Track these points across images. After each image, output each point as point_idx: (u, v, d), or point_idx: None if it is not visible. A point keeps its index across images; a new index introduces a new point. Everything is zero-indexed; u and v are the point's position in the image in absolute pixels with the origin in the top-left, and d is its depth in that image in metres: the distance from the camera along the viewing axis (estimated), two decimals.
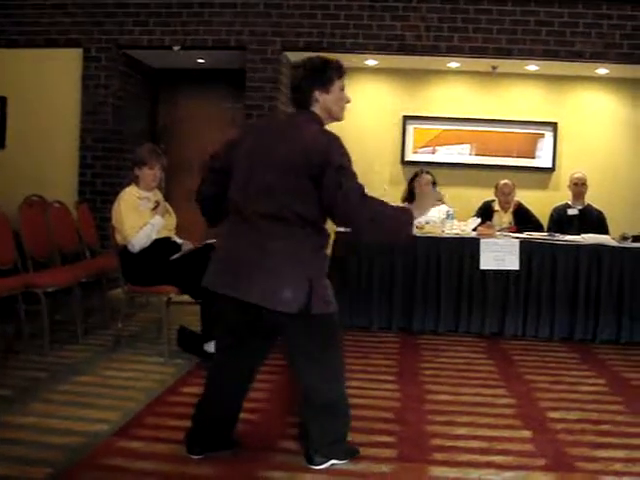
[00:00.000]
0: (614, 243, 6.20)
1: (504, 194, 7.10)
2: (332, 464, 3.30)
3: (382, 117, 8.36)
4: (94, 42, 7.72)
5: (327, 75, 3.23)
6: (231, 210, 3.24)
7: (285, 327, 3.21)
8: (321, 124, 3.25)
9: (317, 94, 3.21)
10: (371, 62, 8.01)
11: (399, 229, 3.19)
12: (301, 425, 3.44)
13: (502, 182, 7.15)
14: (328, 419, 3.32)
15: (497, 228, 6.59)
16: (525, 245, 6.12)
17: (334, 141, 3.11)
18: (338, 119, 3.35)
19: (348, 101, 3.36)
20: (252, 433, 3.72)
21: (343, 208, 3.05)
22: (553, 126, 8.20)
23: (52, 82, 7.83)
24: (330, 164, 3.02)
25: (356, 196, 3.05)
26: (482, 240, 6.11)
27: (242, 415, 3.84)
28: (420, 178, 7.00)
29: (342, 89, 3.30)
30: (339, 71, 3.28)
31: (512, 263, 6.09)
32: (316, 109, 3.24)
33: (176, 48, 7.67)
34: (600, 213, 7.21)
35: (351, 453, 3.40)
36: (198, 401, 3.42)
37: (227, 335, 3.35)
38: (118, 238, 5.21)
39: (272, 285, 3.08)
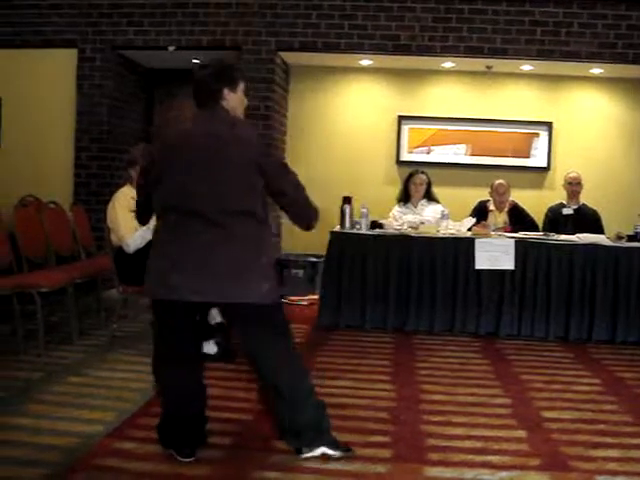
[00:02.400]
0: (609, 243, 6.20)
1: (499, 194, 7.10)
2: (323, 452, 3.33)
3: (377, 117, 8.36)
4: (89, 42, 7.71)
5: (234, 75, 3.37)
6: (173, 213, 3.20)
7: (247, 318, 3.29)
8: None
9: (225, 92, 3.31)
10: (366, 62, 8.01)
11: (312, 218, 3.46)
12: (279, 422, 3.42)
13: (497, 182, 7.15)
14: (295, 404, 3.33)
15: (492, 228, 6.60)
16: (520, 245, 6.12)
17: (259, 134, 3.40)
18: None
19: (246, 104, 3.48)
20: (247, 433, 3.72)
21: (293, 192, 3.32)
22: (548, 126, 8.21)
23: (47, 83, 7.82)
24: (269, 154, 3.39)
25: (299, 182, 3.36)
26: (477, 240, 6.12)
27: (237, 416, 3.87)
28: (415, 178, 7.02)
29: (244, 92, 3.43)
30: (243, 74, 3.48)
31: (507, 263, 6.09)
32: (225, 106, 3.33)
33: (171, 48, 7.66)
34: (595, 212, 7.22)
35: (338, 446, 3.38)
36: (168, 407, 3.39)
37: (175, 336, 3.34)
38: (113, 239, 5.21)
39: (251, 281, 3.15)
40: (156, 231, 3.34)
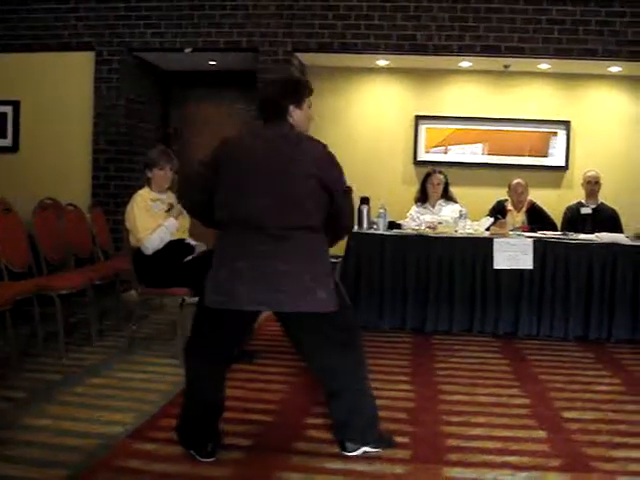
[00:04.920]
0: (628, 241, 6.17)
1: (517, 193, 7.07)
2: (364, 452, 3.44)
3: (394, 117, 8.35)
4: (106, 45, 7.75)
5: (301, 92, 3.43)
6: (236, 224, 3.25)
7: (302, 326, 3.37)
8: None
9: (292, 108, 3.38)
10: (382, 62, 8.00)
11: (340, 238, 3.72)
12: (336, 422, 3.55)
13: (515, 181, 7.13)
14: (357, 403, 3.46)
15: (510, 227, 6.57)
16: (539, 244, 6.09)
17: (330, 151, 3.39)
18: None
19: (312, 119, 3.56)
20: (268, 434, 3.73)
21: (347, 213, 3.48)
22: (566, 125, 8.17)
23: (65, 85, 7.86)
24: (333, 171, 3.34)
25: (352, 209, 3.57)
26: (496, 240, 6.10)
27: (258, 416, 3.88)
28: (432, 178, 6.99)
29: (310, 107, 3.49)
30: (309, 89, 3.50)
31: (526, 262, 6.07)
32: (291, 122, 3.39)
33: (187, 50, 7.69)
34: (614, 211, 7.18)
35: (386, 441, 3.53)
36: (191, 403, 3.44)
37: (223, 339, 3.41)
38: (132, 240, 5.23)
39: (310, 291, 3.21)
40: (218, 241, 3.37)
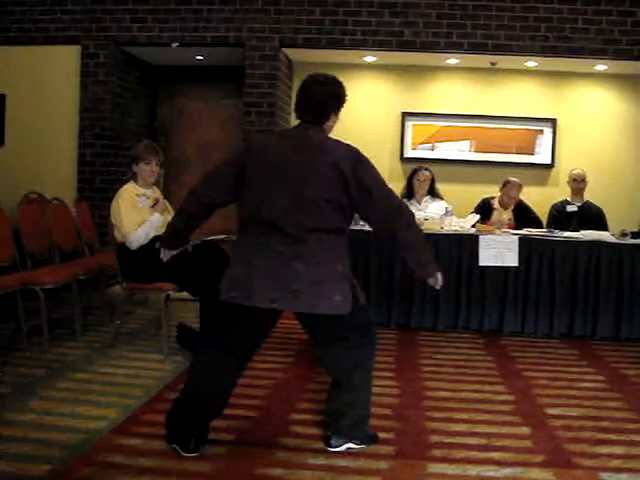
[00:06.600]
0: (613, 239, 6.19)
1: (509, 197, 6.97)
2: (348, 448, 3.45)
3: (381, 114, 8.35)
4: (92, 39, 7.70)
5: (343, 101, 3.49)
6: (255, 223, 3.25)
7: (317, 326, 3.43)
8: None
9: (333, 115, 3.43)
10: (370, 58, 7.99)
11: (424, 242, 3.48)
12: (329, 411, 3.58)
13: (512, 181, 6.99)
14: (354, 398, 3.49)
15: (496, 225, 6.58)
16: (524, 242, 6.11)
17: (361, 153, 3.35)
18: None
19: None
20: (252, 430, 3.72)
21: (386, 213, 3.32)
22: (552, 122, 8.19)
23: (51, 79, 7.81)
24: (363, 174, 3.27)
25: (399, 203, 3.42)
26: (481, 237, 6.11)
27: (242, 412, 3.88)
28: (419, 174, 6.99)
29: None
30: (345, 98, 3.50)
31: (511, 260, 6.09)
32: (325, 127, 3.42)
33: (175, 45, 7.65)
34: (599, 209, 7.20)
35: (370, 439, 3.55)
36: (188, 399, 3.39)
37: (233, 338, 3.37)
38: (117, 235, 5.20)
39: (325, 293, 3.21)
40: (238, 236, 3.38)
